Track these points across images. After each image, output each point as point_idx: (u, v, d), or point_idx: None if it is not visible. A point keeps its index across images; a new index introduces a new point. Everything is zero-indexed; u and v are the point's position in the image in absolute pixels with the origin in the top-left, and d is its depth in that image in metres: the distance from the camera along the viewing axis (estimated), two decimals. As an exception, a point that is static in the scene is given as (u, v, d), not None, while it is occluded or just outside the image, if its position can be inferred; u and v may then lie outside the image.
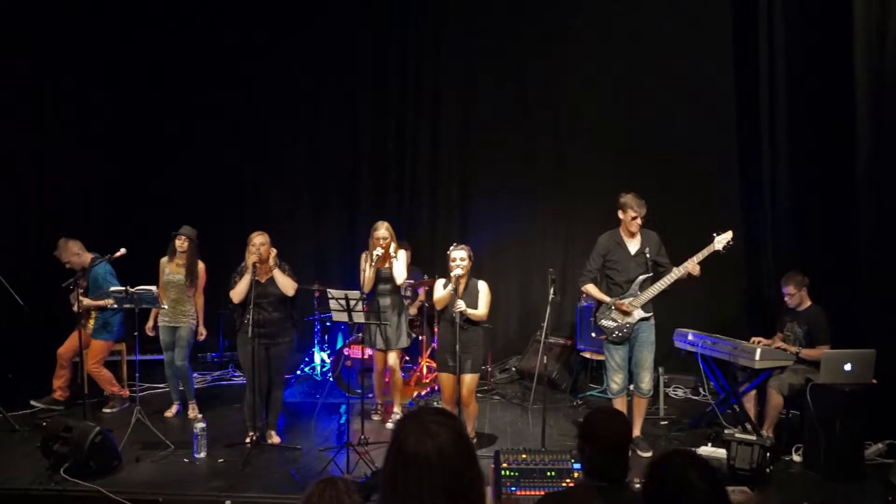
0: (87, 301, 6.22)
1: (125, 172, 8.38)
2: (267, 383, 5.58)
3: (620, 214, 5.51)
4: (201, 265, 6.36)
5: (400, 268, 5.99)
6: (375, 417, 6.37)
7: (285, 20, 8.31)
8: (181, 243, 6.21)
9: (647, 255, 5.45)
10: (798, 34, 6.56)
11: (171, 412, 6.39)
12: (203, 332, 6.42)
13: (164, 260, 6.31)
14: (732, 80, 7.35)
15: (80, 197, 7.95)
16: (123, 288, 5.65)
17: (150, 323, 6.36)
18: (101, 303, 6.24)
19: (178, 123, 8.38)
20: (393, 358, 6.05)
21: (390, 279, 6.00)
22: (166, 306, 6.11)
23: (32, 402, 6.35)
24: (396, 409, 6.23)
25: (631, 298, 5.42)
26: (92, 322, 6.36)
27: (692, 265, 5.34)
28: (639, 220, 5.43)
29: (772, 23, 6.73)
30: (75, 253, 6.33)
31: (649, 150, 7.59)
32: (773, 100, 6.80)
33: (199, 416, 6.22)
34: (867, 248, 5.86)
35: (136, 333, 5.78)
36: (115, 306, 6.06)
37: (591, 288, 5.61)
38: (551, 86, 7.99)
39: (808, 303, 5.75)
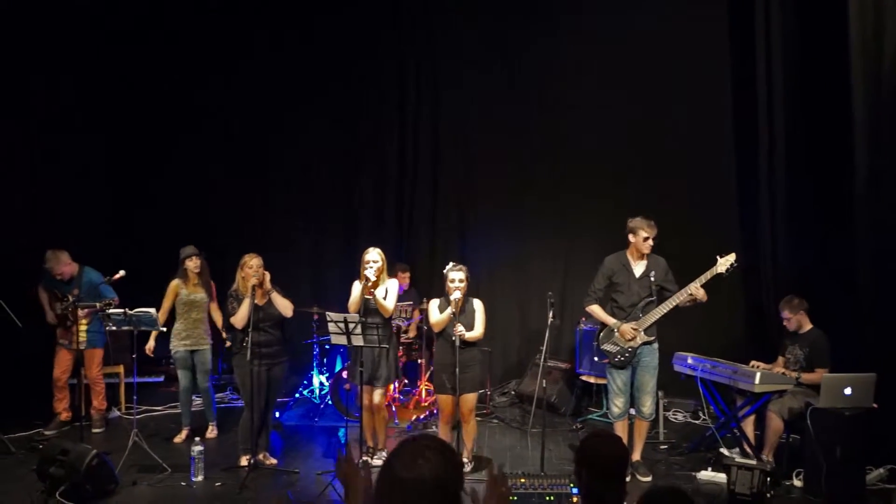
0: (81, 312, 6.10)
1: (121, 192, 8.39)
2: (264, 404, 5.57)
3: (631, 238, 5.45)
4: None
5: (391, 298, 5.56)
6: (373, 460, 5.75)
7: (283, 42, 8.41)
8: (194, 265, 6.16)
9: (652, 279, 5.41)
10: (795, 58, 6.61)
11: (181, 437, 6.25)
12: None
13: (177, 283, 6.18)
14: (731, 103, 7.39)
15: (76, 216, 7.79)
16: (122, 310, 5.61)
17: (151, 344, 6.14)
18: (90, 309, 6.13)
19: (173, 141, 8.45)
20: (378, 396, 5.66)
21: (378, 311, 5.55)
22: (165, 329, 6.01)
23: (44, 432, 6.30)
24: (381, 445, 5.80)
25: (633, 322, 5.40)
26: (85, 335, 6.32)
27: (695, 288, 5.24)
28: (651, 242, 5.39)
29: (769, 46, 6.77)
30: (67, 262, 6.32)
31: (647, 174, 7.62)
32: (771, 123, 6.82)
33: (216, 433, 6.35)
34: (867, 270, 5.85)
35: (133, 356, 5.71)
36: (101, 312, 5.93)
37: (595, 309, 5.57)
38: (549, 111, 8.04)
39: (809, 326, 5.74)
